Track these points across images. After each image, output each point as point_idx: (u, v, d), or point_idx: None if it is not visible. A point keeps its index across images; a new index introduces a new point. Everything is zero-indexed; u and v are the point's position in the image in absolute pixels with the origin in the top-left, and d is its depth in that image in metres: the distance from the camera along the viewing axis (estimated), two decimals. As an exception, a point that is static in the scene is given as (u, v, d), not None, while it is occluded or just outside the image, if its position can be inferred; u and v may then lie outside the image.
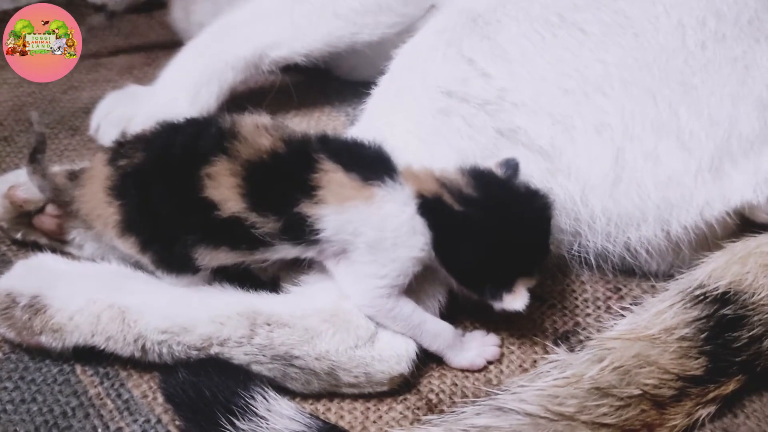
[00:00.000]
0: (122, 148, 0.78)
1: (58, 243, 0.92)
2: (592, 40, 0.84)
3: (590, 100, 0.82)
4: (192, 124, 0.79)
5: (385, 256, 0.73)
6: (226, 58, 1.13)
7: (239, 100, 1.22)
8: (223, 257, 0.75)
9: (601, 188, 0.82)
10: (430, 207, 0.74)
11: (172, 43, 1.37)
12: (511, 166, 0.79)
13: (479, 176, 0.77)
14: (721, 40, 0.82)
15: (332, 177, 0.72)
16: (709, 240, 0.83)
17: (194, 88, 1.13)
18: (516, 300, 0.74)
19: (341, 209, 0.71)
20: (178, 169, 0.74)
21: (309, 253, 0.75)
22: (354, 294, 0.76)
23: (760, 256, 0.77)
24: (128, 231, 0.75)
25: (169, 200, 0.73)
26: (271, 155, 0.73)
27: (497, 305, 0.75)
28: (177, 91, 1.14)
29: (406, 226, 0.73)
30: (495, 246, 0.74)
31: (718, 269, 0.77)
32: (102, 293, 0.77)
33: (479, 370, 0.80)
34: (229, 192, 0.71)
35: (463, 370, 0.80)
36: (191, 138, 0.75)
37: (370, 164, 0.74)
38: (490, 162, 0.80)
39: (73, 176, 0.80)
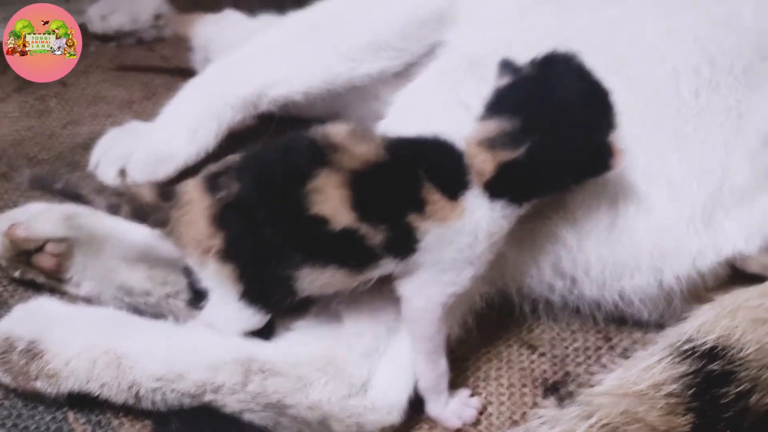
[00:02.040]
0: (216, 178, 0.75)
1: (56, 281, 0.93)
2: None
3: None
4: (278, 143, 0.77)
5: (473, 254, 0.74)
6: (224, 97, 1.14)
7: (238, 136, 1.25)
8: (328, 278, 0.73)
9: (595, 235, 0.82)
10: (496, 187, 0.73)
11: (172, 78, 1.40)
12: (504, 66, 0.78)
13: (500, 104, 0.75)
14: (715, 89, 0.83)
15: (432, 197, 0.71)
16: (701, 290, 0.83)
17: (193, 126, 1.15)
18: (619, 157, 0.74)
19: (441, 225, 0.72)
20: (280, 190, 0.71)
21: (399, 267, 0.74)
22: (417, 298, 0.76)
23: (750, 310, 0.77)
24: (229, 259, 0.74)
25: (276, 224, 0.71)
26: (374, 164, 0.72)
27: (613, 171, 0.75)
28: (176, 129, 1.15)
29: (494, 221, 0.73)
30: (576, 141, 0.73)
31: (707, 323, 0.76)
32: (99, 338, 0.78)
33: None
34: (338, 204, 0.69)
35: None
36: (285, 157, 0.74)
37: (453, 174, 0.73)
38: (492, 85, 0.78)
39: (165, 194, 0.76)
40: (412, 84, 0.92)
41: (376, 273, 0.74)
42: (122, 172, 1.15)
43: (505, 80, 0.77)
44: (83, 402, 0.79)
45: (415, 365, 0.78)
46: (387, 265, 0.73)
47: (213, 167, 0.77)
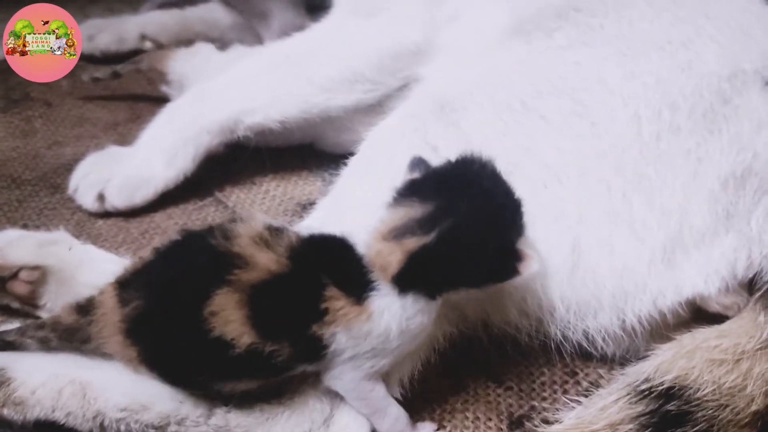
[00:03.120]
0: (124, 288, 0.75)
1: (30, 307, 0.94)
2: (551, 128, 0.86)
3: (547, 188, 0.84)
4: (182, 248, 0.76)
5: (388, 349, 0.73)
6: (201, 122, 1.16)
7: (217, 163, 1.26)
8: (245, 386, 0.74)
9: (559, 276, 0.83)
10: (405, 279, 0.71)
11: (157, 99, 1.41)
12: (417, 162, 0.77)
13: (411, 190, 0.75)
14: (675, 132, 0.85)
15: (336, 304, 0.71)
16: (662, 328, 0.85)
17: (170, 150, 1.16)
18: (530, 263, 0.73)
19: (347, 329, 0.71)
20: (181, 310, 0.71)
21: (315, 367, 0.75)
22: (338, 382, 0.76)
23: (707, 351, 0.78)
24: (150, 367, 0.75)
25: (181, 343, 0.71)
26: (275, 275, 0.71)
27: (517, 279, 0.74)
28: (154, 154, 1.17)
29: (404, 321, 0.72)
30: (485, 233, 0.72)
31: (665, 363, 0.78)
32: (65, 368, 0.78)
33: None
34: (240, 326, 0.69)
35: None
36: (185, 269, 0.73)
37: (356, 274, 0.72)
38: (403, 176, 0.78)
39: (82, 310, 0.78)
40: (381, 123, 0.94)
41: (294, 373, 0.74)
42: (101, 197, 1.16)
43: (416, 174, 0.77)
44: (50, 430, 0.80)
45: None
46: (303, 369, 0.74)
47: (127, 271, 0.77)
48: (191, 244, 0.76)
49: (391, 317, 0.72)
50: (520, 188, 0.83)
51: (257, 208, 1.22)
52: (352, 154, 0.94)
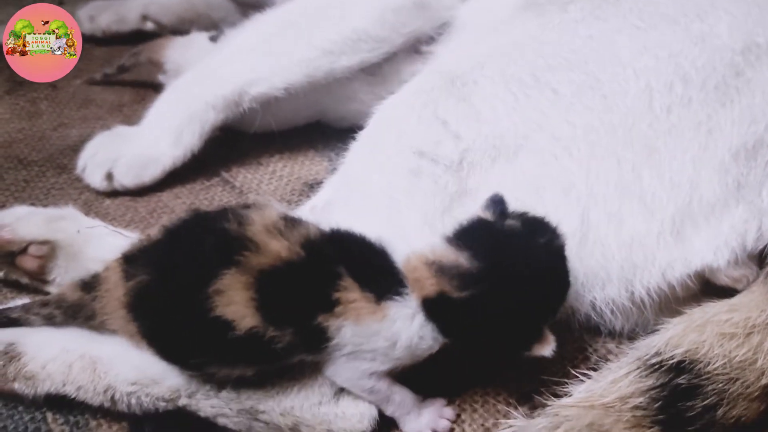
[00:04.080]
0: (130, 263, 0.75)
1: (39, 282, 0.94)
2: (563, 101, 0.86)
3: (558, 160, 0.84)
4: (193, 228, 0.76)
5: (390, 357, 0.73)
6: (206, 98, 1.15)
7: (224, 143, 1.26)
8: (240, 372, 0.74)
9: (568, 247, 0.83)
10: (436, 309, 0.72)
11: (160, 86, 1.40)
12: (496, 202, 0.76)
13: (471, 237, 0.74)
14: (686, 105, 0.84)
15: (350, 296, 0.71)
16: (672, 301, 0.85)
17: (176, 129, 1.16)
18: (545, 346, 0.72)
19: (356, 324, 0.71)
20: (185, 287, 0.71)
21: (315, 358, 0.75)
22: (339, 376, 0.76)
23: (717, 325, 0.78)
24: (149, 343, 0.75)
25: (182, 320, 0.71)
26: (287, 263, 0.71)
27: (526, 355, 0.73)
28: (160, 133, 1.17)
29: (416, 338, 0.73)
30: (514, 313, 0.71)
31: (676, 337, 0.77)
32: (75, 343, 0.79)
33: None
34: (243, 307, 0.69)
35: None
36: (195, 248, 0.73)
37: (381, 275, 0.73)
38: (476, 209, 0.77)
39: (87, 287, 0.78)
40: (390, 98, 0.93)
41: (290, 362, 0.74)
42: (109, 176, 1.16)
43: (488, 215, 0.76)
44: (62, 403, 0.80)
45: None
46: (300, 358, 0.74)
47: (129, 249, 0.77)
48: (203, 225, 0.76)
49: (404, 329, 0.72)
50: (530, 161, 0.84)
51: (264, 188, 1.22)
52: (359, 128, 0.93)
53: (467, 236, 0.75)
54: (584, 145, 0.83)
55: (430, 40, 1.14)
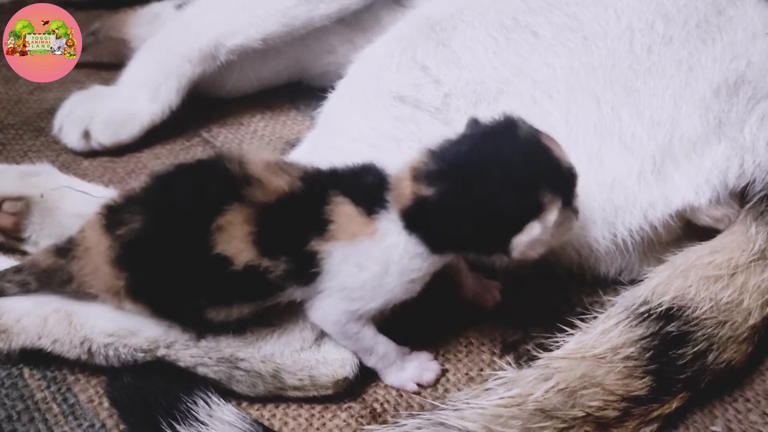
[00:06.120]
0: (116, 213, 0.73)
1: (14, 240, 0.93)
2: (543, 44, 0.85)
3: (537, 104, 0.83)
4: (189, 171, 0.76)
5: (383, 288, 0.72)
6: (181, 51, 1.13)
7: (205, 105, 1.24)
8: (236, 312, 0.73)
9: None
10: (414, 215, 0.71)
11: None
12: (472, 123, 0.75)
13: (443, 144, 0.73)
14: (667, 43, 0.83)
15: (342, 209, 0.70)
16: (656, 245, 0.84)
17: (153, 84, 1.14)
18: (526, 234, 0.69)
19: (348, 244, 0.70)
20: (187, 225, 0.70)
21: (305, 293, 0.73)
22: (325, 319, 0.75)
23: (701, 269, 0.77)
24: (139, 298, 0.73)
25: (179, 262, 0.70)
26: (287, 196, 0.71)
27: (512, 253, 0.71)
28: (137, 89, 1.15)
29: (406, 257, 0.72)
30: (486, 202, 0.69)
31: (661, 284, 0.77)
32: (50, 297, 0.77)
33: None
34: (241, 242, 0.68)
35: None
36: (195, 188, 0.72)
37: (373, 192, 0.72)
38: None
39: (61, 252, 0.75)
40: (370, 46, 0.92)
41: (283, 300, 0.73)
42: (86, 135, 1.14)
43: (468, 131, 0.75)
44: (38, 358, 0.79)
45: None
46: (294, 292, 0.73)
47: (113, 201, 0.75)
48: (203, 168, 0.76)
49: (393, 246, 0.71)
50: (509, 105, 0.82)
51: (246, 148, 1.20)
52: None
53: (438, 146, 0.74)
54: (564, 87, 0.82)
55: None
